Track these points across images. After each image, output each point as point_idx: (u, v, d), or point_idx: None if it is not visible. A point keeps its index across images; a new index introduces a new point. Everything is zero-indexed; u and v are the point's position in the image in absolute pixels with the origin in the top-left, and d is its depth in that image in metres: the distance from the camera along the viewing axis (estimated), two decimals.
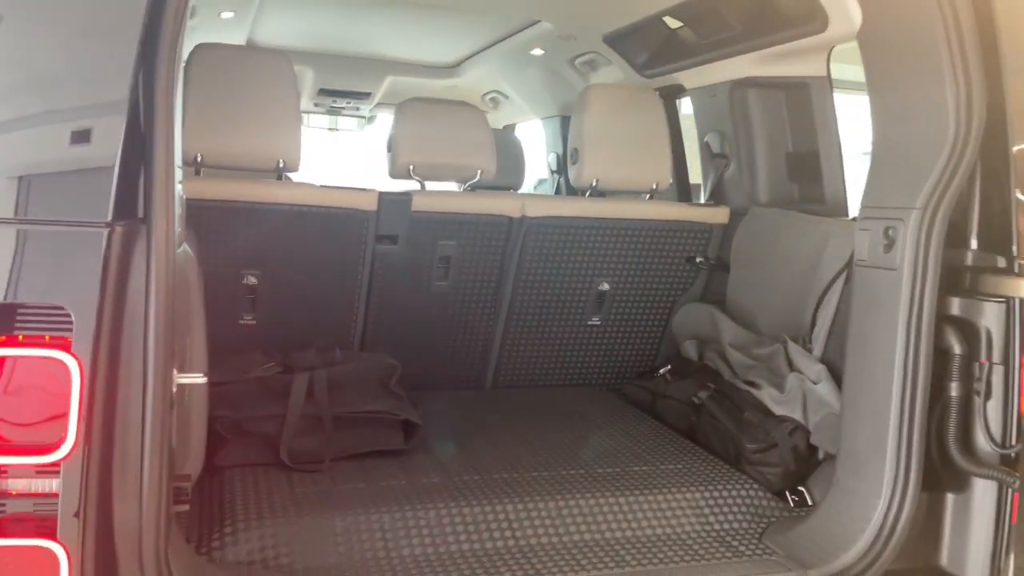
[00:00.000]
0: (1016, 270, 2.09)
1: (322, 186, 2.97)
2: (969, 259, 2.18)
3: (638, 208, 3.35)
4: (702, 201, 3.70)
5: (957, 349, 2.15)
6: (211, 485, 2.34)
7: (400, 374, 2.76)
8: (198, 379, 1.67)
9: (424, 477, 2.48)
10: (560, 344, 3.51)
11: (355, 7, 4.19)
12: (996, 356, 2.11)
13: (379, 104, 5.84)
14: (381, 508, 2.23)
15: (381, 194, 3.03)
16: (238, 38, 4.64)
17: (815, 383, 2.63)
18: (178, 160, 1.65)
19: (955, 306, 2.19)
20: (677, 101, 4.07)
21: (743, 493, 2.54)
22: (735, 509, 2.49)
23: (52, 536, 1.41)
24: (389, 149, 3.18)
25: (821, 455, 2.65)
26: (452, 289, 3.24)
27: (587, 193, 3.37)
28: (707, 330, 3.31)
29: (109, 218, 1.44)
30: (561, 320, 3.45)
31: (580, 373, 3.60)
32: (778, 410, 2.73)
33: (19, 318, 1.43)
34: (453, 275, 3.22)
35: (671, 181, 3.41)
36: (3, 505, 1.43)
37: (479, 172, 3.23)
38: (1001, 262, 2.12)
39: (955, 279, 2.19)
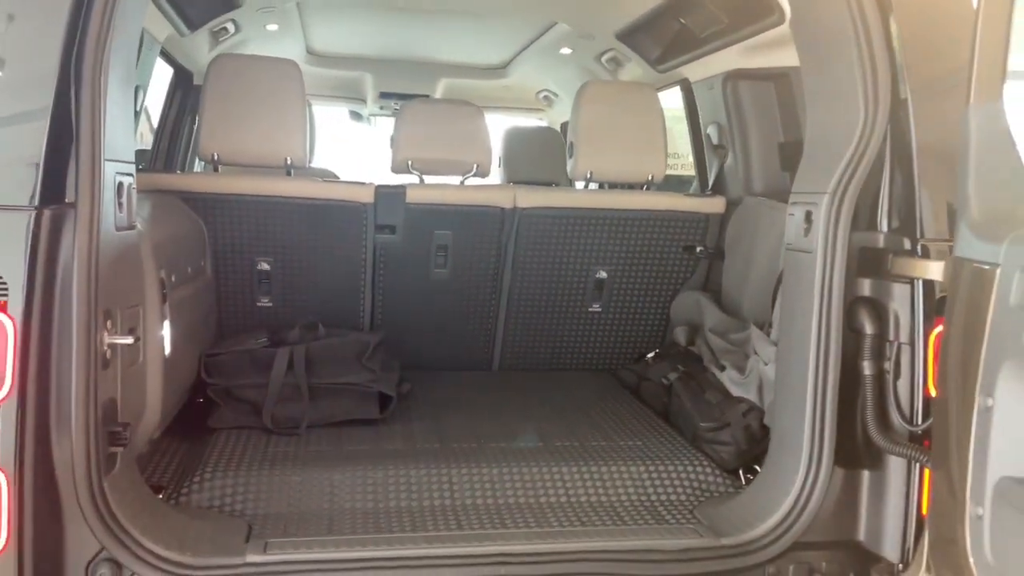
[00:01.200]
0: (920, 252, 2.12)
1: (324, 181, 3.28)
2: (881, 242, 2.22)
3: (632, 199, 3.47)
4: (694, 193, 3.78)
5: (868, 329, 2.19)
6: (200, 443, 2.67)
7: (377, 348, 3.01)
8: (126, 340, 1.96)
9: (388, 444, 2.72)
10: (563, 329, 3.67)
11: (399, 15, 4.49)
12: (903, 336, 2.15)
13: None
14: (337, 468, 2.49)
15: (377, 187, 3.30)
16: (296, 50, 5.04)
17: (766, 365, 2.70)
18: (115, 154, 1.94)
19: (867, 287, 2.23)
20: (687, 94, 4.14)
21: (690, 469, 2.64)
22: (677, 483, 2.60)
23: None
24: (391, 146, 3.45)
25: None
26: (451, 276, 3.47)
27: (585, 185, 3.52)
28: (695, 316, 3.40)
29: (36, 201, 1.75)
30: (562, 307, 3.61)
31: (583, 357, 3.75)
32: (735, 391, 2.81)
33: None
34: (451, 263, 3.44)
35: (665, 173, 3.51)
36: None
37: (475, 166, 3.45)
38: (908, 244, 2.15)
39: (869, 261, 2.23)
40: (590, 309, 3.64)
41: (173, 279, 2.45)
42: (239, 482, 2.39)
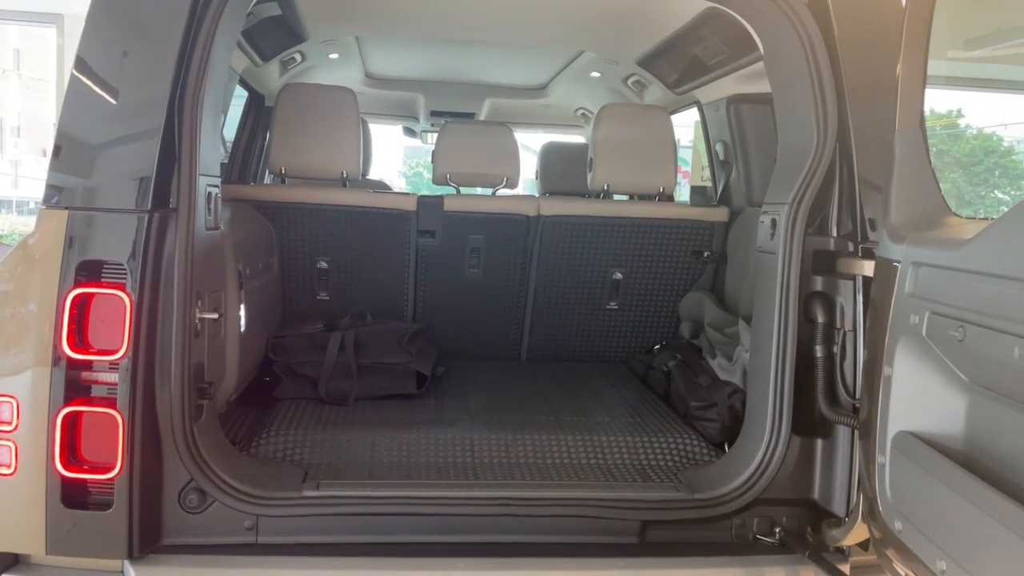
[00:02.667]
0: (860, 254, 2.53)
1: (374, 191, 3.80)
2: (831, 245, 2.63)
3: (644, 208, 3.91)
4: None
5: (821, 319, 2.61)
6: (266, 410, 3.20)
7: (416, 335, 3.52)
8: (212, 316, 2.48)
9: (421, 414, 3.22)
10: (583, 325, 4.13)
11: (447, 43, 5.01)
12: (848, 324, 2.56)
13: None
14: (378, 430, 2.99)
15: (419, 197, 3.82)
16: (355, 75, 5.61)
17: (747, 352, 3.12)
18: (206, 169, 2.47)
19: (820, 283, 2.65)
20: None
21: (679, 441, 3.07)
22: (666, 451, 3.04)
23: (113, 407, 2.28)
24: (432, 161, 3.96)
25: None
26: (483, 275, 3.96)
27: (601, 196, 3.98)
28: (698, 312, 3.83)
29: (148, 206, 2.29)
30: (582, 304, 4.07)
31: (601, 350, 4.19)
32: (723, 376, 3.24)
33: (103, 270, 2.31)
34: (483, 264, 3.93)
35: (675, 185, 3.95)
36: (90, 387, 2.32)
37: (505, 179, 3.94)
38: (851, 247, 2.57)
39: (821, 261, 2.65)
40: (607, 307, 4.09)
41: (248, 272, 2.98)
42: (297, 439, 2.91)
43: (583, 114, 6.38)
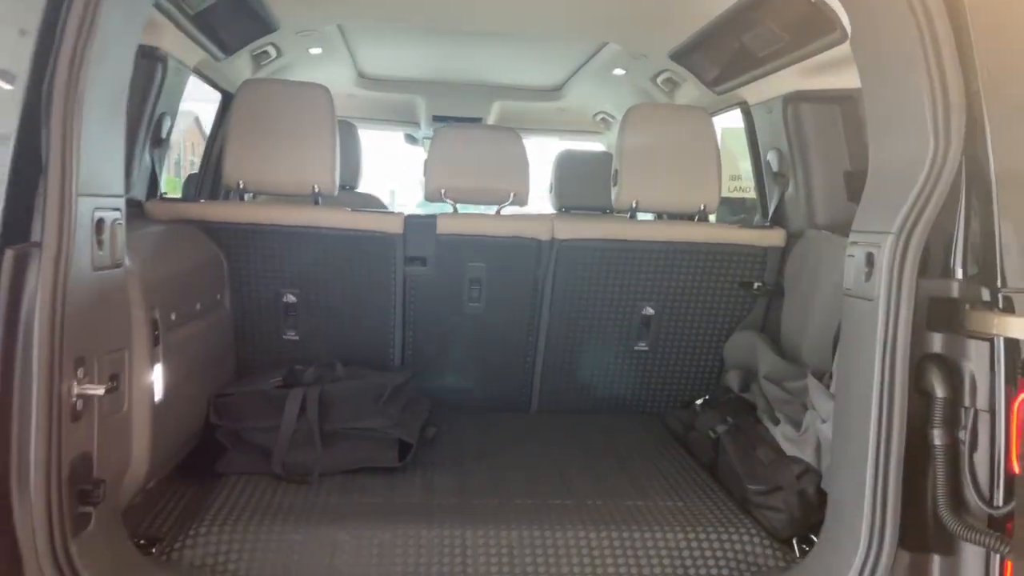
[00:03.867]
0: (1001, 304, 1.81)
1: (352, 210, 3.11)
2: (954, 291, 1.91)
3: (682, 230, 3.21)
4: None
5: (939, 392, 1.89)
6: (205, 490, 2.51)
7: (399, 391, 2.82)
8: (96, 390, 1.80)
9: (403, 497, 2.52)
10: (606, 369, 3.42)
11: (449, 37, 4.34)
12: (981, 402, 1.84)
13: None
14: (344, 525, 2.29)
15: (407, 217, 3.13)
16: (346, 74, 4.94)
17: (824, 422, 2.41)
18: (94, 187, 1.79)
19: (938, 343, 1.93)
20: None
21: (735, 538, 2.36)
22: (719, 554, 2.32)
23: None
24: (424, 173, 3.27)
25: None
26: (486, 311, 3.27)
27: (629, 215, 3.28)
28: (750, 359, 3.11)
29: None
30: (606, 344, 3.37)
31: (628, 399, 3.49)
32: (789, 450, 2.52)
33: None
34: (486, 297, 3.24)
35: (718, 202, 3.25)
36: None
37: (511, 195, 3.24)
38: (987, 295, 1.85)
39: (941, 313, 1.93)
40: (636, 348, 3.38)
41: (174, 318, 2.30)
42: (235, 538, 2.22)
43: (603, 119, 5.68)
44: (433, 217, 3.14)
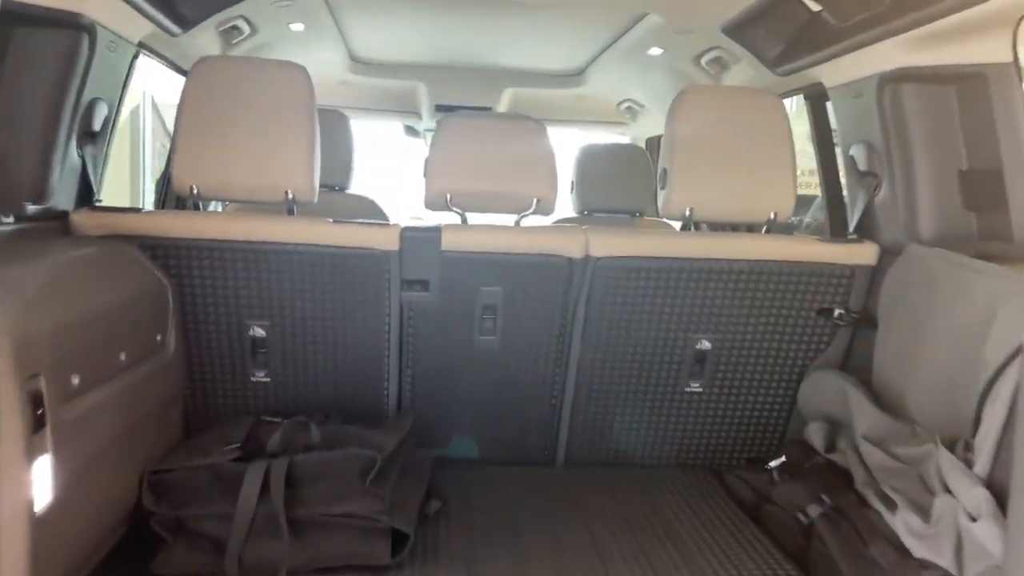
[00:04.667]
0: None
1: (334, 221, 2.46)
2: None
3: (747, 245, 2.56)
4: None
5: None
6: None
7: (391, 462, 2.17)
8: None
9: None
10: (650, 414, 2.78)
11: (454, 14, 3.69)
12: None
13: None
14: None
15: (403, 230, 2.48)
16: (337, 57, 4.28)
17: (973, 518, 1.76)
18: None
19: None
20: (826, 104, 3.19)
21: None
22: None
23: None
24: (424, 174, 2.62)
25: None
26: (502, 345, 2.62)
27: (683, 226, 2.63)
28: (838, 410, 2.46)
29: None
30: (650, 385, 2.72)
31: (677, 452, 2.84)
32: (918, 550, 1.87)
33: None
34: (502, 328, 2.59)
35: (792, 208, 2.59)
36: None
37: (534, 201, 2.59)
38: None
39: None
40: (687, 389, 2.74)
41: (75, 382, 1.65)
42: None
43: (629, 107, 5.01)
44: (436, 230, 2.49)
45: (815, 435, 2.47)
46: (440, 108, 5.03)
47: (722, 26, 3.09)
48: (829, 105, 3.14)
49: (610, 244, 2.52)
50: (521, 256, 2.50)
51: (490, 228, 2.55)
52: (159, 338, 2.17)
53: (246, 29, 3.35)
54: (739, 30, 3.07)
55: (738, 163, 2.55)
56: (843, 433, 2.43)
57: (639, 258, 2.52)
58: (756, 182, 2.55)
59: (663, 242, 2.55)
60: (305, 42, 3.87)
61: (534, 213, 2.62)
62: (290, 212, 2.49)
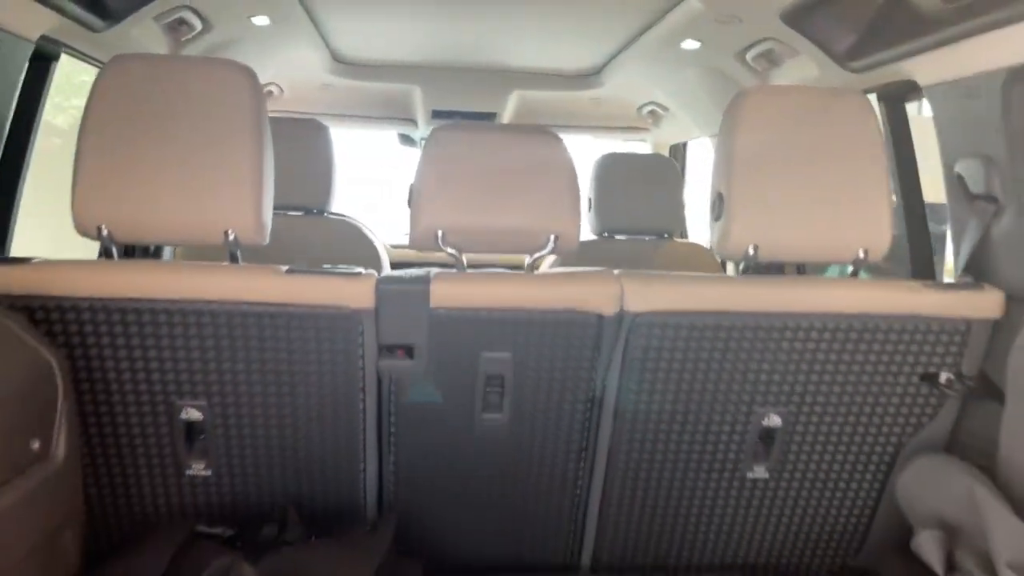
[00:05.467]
0: None
1: (289, 271, 1.86)
2: None
3: (828, 294, 1.95)
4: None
5: None
6: None
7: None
8: None
9: None
10: (701, 507, 2.17)
11: (450, 5, 3.10)
12: None
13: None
14: None
15: (380, 282, 1.88)
16: (317, 58, 3.69)
17: None
18: None
19: None
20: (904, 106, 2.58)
21: None
22: None
23: None
24: (409, 203, 2.02)
25: None
26: (512, 424, 2.02)
27: (739, 266, 2.03)
28: (959, 514, 1.85)
29: None
30: (702, 470, 2.12)
31: (735, 553, 2.23)
32: None
33: None
34: (512, 403, 1.99)
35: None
36: None
37: (551, 238, 1.99)
38: None
39: None
40: (749, 475, 2.13)
41: None
42: None
43: (652, 111, 4.41)
44: (423, 280, 1.89)
45: (931, 550, 1.85)
46: (438, 114, 4.44)
47: (781, 12, 2.49)
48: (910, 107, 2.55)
49: (652, 295, 1.92)
50: (536, 312, 1.90)
51: (495, 276, 1.94)
52: (36, 445, 1.57)
53: (196, 23, 2.76)
54: (801, 17, 2.46)
55: (819, 185, 1.94)
56: (965, 545, 1.83)
57: (690, 313, 1.92)
58: (842, 210, 1.95)
59: (720, 291, 1.94)
60: (277, 40, 3.28)
61: (552, 253, 2.02)
62: (233, 258, 1.89)
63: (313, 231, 3.19)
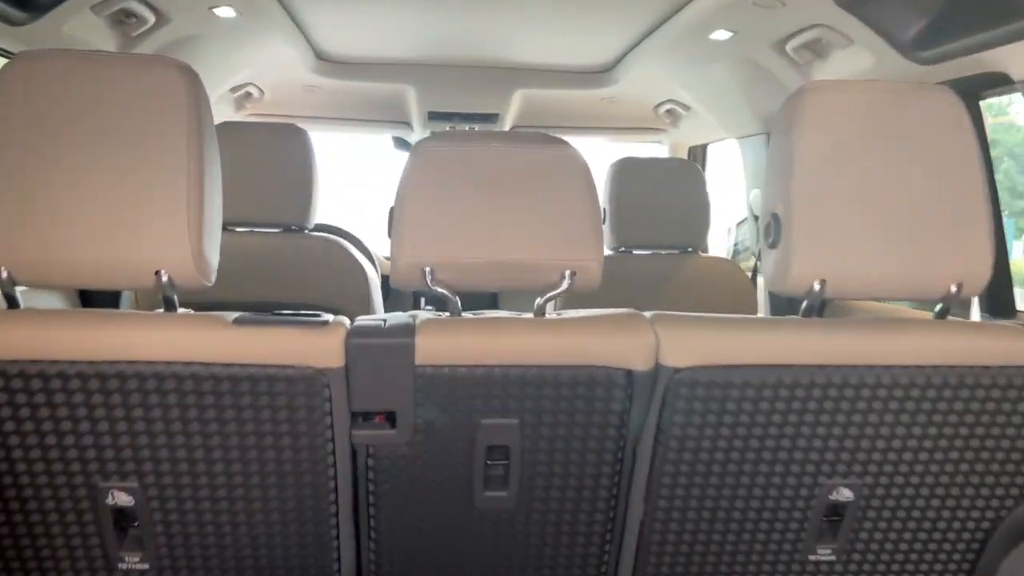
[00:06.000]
0: None
1: (236, 321, 1.47)
2: None
3: (911, 343, 1.56)
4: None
5: None
6: None
7: None
8: None
9: None
10: None
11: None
12: None
13: (515, 128, 4.34)
14: None
15: (350, 335, 1.49)
16: (298, 56, 3.30)
17: None
18: None
19: None
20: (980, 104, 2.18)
21: None
22: None
23: None
24: (390, 233, 1.63)
25: None
26: (519, 505, 1.63)
27: (802, 307, 1.63)
28: None
29: None
30: (754, 551, 1.72)
31: None
32: None
33: None
34: (519, 480, 1.60)
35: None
36: None
37: (566, 275, 1.59)
38: None
39: None
40: (812, 556, 1.73)
41: None
42: None
43: (670, 110, 4.02)
44: (406, 329, 1.50)
45: None
46: (434, 116, 4.06)
47: None
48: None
49: (695, 345, 1.52)
50: (549, 369, 1.51)
51: (496, 324, 1.55)
52: None
53: (148, 15, 2.37)
54: (863, 1, 2.06)
55: (903, 203, 1.55)
56: None
57: (744, 367, 1.53)
58: (932, 234, 1.55)
59: (782, 339, 1.55)
60: (249, 35, 2.90)
61: (569, 291, 1.62)
62: (169, 305, 1.50)
63: (291, 251, 2.79)
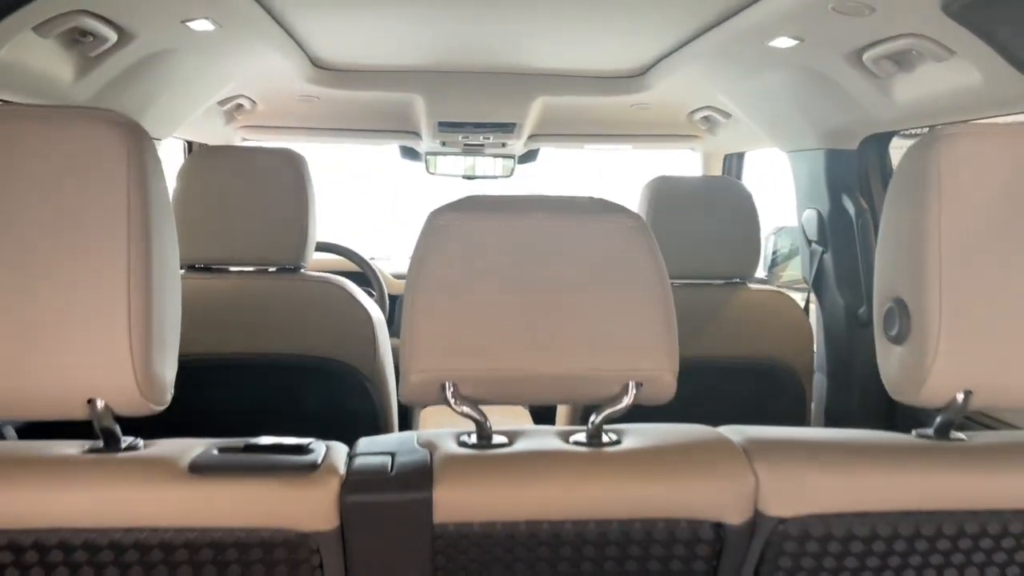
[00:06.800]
0: None
1: (192, 467, 1.10)
2: None
3: None
4: None
5: None
6: None
7: None
8: None
9: None
10: None
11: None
12: None
13: (534, 137, 3.95)
14: None
15: (345, 490, 1.12)
16: (292, 66, 2.91)
17: None
18: None
19: None
20: None
21: None
22: None
23: None
24: (392, 324, 1.25)
25: None
26: None
27: (936, 422, 1.25)
28: None
29: None
30: None
31: None
32: None
33: None
34: None
35: None
36: None
37: (631, 387, 1.21)
38: None
39: None
40: None
41: None
42: None
43: (707, 117, 3.62)
44: (422, 478, 1.12)
45: None
46: (445, 126, 3.67)
47: (944, 1, 1.69)
48: None
49: (806, 488, 1.15)
50: (613, 524, 1.14)
51: (544, 458, 1.17)
52: None
53: (108, 34, 1.99)
54: (979, 7, 1.67)
55: None
56: None
57: (868, 515, 1.15)
58: None
59: (920, 479, 1.17)
60: (233, 45, 2.51)
61: (636, 404, 1.24)
62: (108, 443, 1.13)
63: (286, 294, 2.42)
